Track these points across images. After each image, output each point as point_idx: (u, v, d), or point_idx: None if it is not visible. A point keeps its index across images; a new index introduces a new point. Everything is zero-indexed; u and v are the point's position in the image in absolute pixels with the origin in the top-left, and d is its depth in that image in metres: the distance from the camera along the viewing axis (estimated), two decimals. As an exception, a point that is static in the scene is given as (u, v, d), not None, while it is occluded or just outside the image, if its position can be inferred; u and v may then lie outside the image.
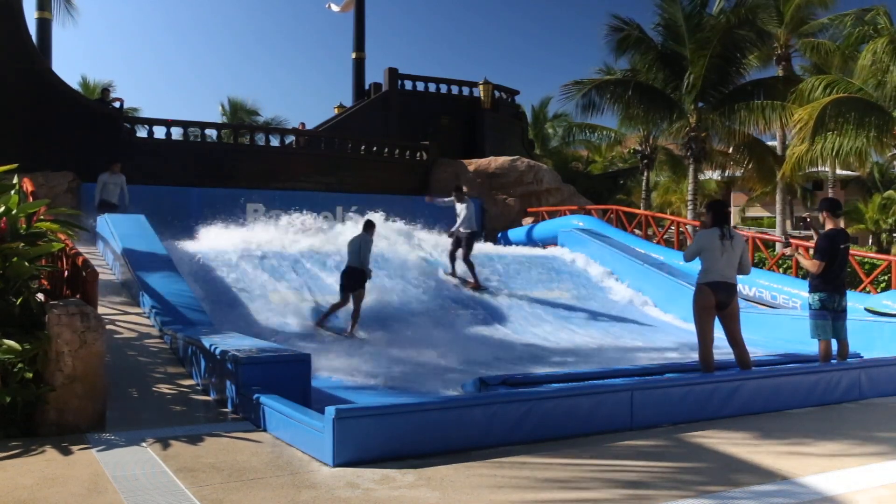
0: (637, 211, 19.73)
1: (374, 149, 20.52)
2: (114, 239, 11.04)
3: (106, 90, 19.13)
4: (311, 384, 5.91)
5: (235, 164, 18.18)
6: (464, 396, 6.19)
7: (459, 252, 13.29)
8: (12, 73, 15.97)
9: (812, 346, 7.62)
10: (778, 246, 18.19)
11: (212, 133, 18.97)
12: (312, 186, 18.65)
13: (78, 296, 6.08)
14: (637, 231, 17.67)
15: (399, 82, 23.30)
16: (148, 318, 8.63)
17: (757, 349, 8.07)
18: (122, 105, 18.82)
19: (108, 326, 6.25)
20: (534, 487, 4.00)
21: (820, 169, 25.55)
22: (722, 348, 6.80)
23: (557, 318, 12.37)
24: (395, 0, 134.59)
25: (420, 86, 23.75)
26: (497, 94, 24.64)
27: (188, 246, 12.82)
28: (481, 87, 24.04)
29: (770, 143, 25.44)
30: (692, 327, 7.14)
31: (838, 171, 28.83)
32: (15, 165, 6.13)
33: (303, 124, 24.17)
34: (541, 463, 4.47)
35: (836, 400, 6.45)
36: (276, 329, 10.00)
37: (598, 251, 15.46)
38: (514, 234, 18.62)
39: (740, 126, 21.15)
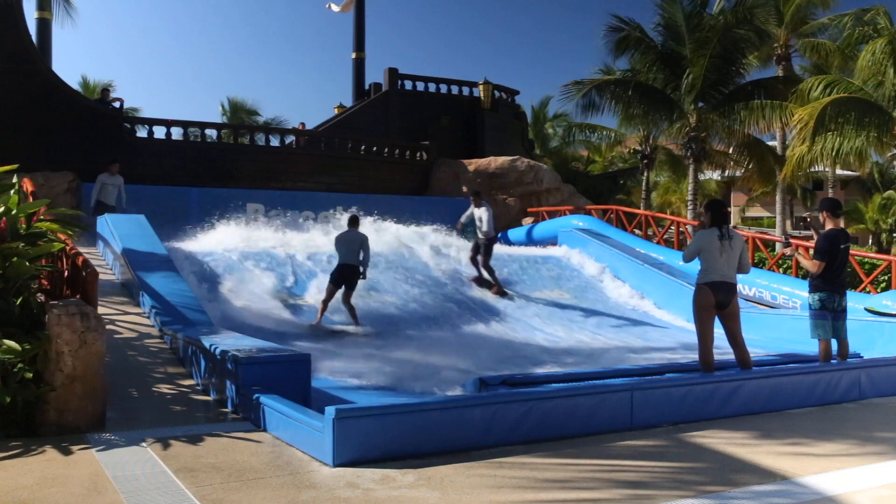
0: (637, 211, 19.74)
1: (374, 149, 20.52)
2: (114, 239, 11.04)
3: (106, 90, 19.12)
4: (311, 384, 5.91)
5: (235, 164, 18.18)
6: (464, 396, 6.20)
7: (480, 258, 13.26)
8: (12, 73, 15.97)
9: (812, 346, 7.62)
10: (778, 246, 18.20)
11: (212, 133, 18.96)
12: (312, 186, 18.65)
13: (78, 296, 6.09)
14: (637, 231, 17.68)
15: (399, 82, 23.30)
16: (148, 318, 8.63)
17: (757, 349, 8.07)
18: (122, 105, 18.81)
19: (108, 326, 6.25)
20: (534, 487, 4.00)
21: (820, 169, 25.53)
22: (722, 348, 6.80)
23: (557, 318, 12.37)
24: (395, 0, 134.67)
25: (420, 86, 23.75)
26: (497, 94, 24.63)
27: (188, 246, 12.83)
28: (481, 87, 24.04)
29: (770, 143, 25.44)
30: (692, 327, 7.15)
31: (838, 171, 28.82)
32: (15, 165, 6.13)
33: (303, 124, 24.16)
34: (541, 463, 4.47)
35: (836, 400, 6.45)
36: (275, 329, 10.00)
37: (598, 251, 15.47)
38: (513, 234, 18.62)
39: (740, 126, 21.15)
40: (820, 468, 4.39)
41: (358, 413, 4.54)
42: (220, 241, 13.32)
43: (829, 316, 7.17)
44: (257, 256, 12.79)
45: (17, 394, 4.93)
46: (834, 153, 18.14)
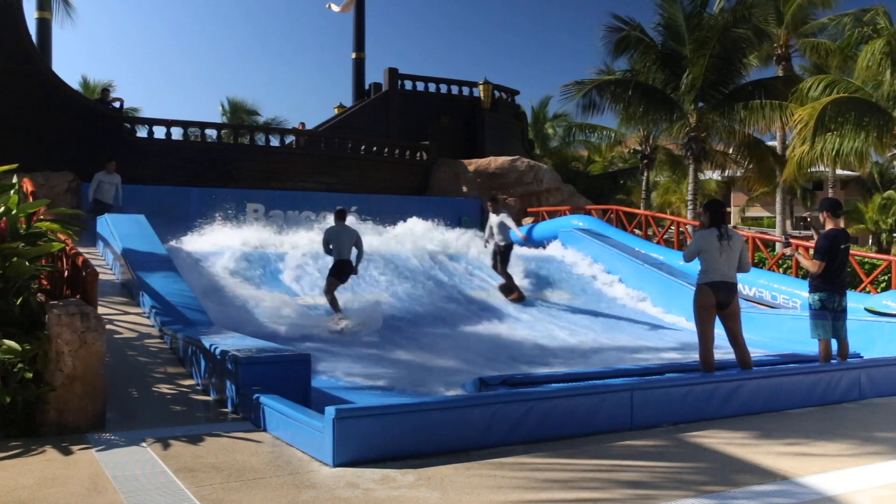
0: (637, 211, 19.73)
1: (374, 149, 20.52)
2: (114, 239, 11.04)
3: (106, 90, 19.12)
4: (311, 384, 5.91)
5: (235, 164, 18.19)
6: (464, 396, 6.19)
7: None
8: (12, 73, 15.98)
9: (812, 346, 7.62)
10: (778, 246, 18.19)
11: (212, 133, 18.97)
12: (312, 186, 18.66)
13: (78, 296, 6.08)
14: (637, 231, 17.67)
15: (399, 82, 23.30)
16: (148, 318, 8.63)
17: (757, 349, 8.07)
18: (121, 105, 18.81)
19: (108, 326, 6.25)
20: (534, 487, 4.00)
21: (820, 169, 25.54)
22: (722, 348, 6.80)
23: (557, 318, 12.37)
24: (395, 0, 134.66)
25: (420, 86, 23.76)
26: (497, 94, 24.64)
27: (188, 246, 12.83)
28: (481, 87, 24.04)
29: (770, 143, 25.44)
30: (692, 327, 7.14)
31: (838, 172, 28.81)
32: (15, 165, 6.13)
33: (303, 124, 24.17)
34: (541, 463, 4.47)
35: (836, 400, 6.45)
36: (276, 329, 10.00)
37: (598, 251, 15.46)
38: (513, 234, 18.57)
39: (740, 126, 21.16)
40: (820, 468, 4.39)
41: (358, 413, 4.54)
42: (220, 241, 13.32)
43: (830, 316, 7.16)
44: (257, 256, 12.79)
45: (17, 394, 4.93)
46: (834, 153, 18.14)
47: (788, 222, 29.67)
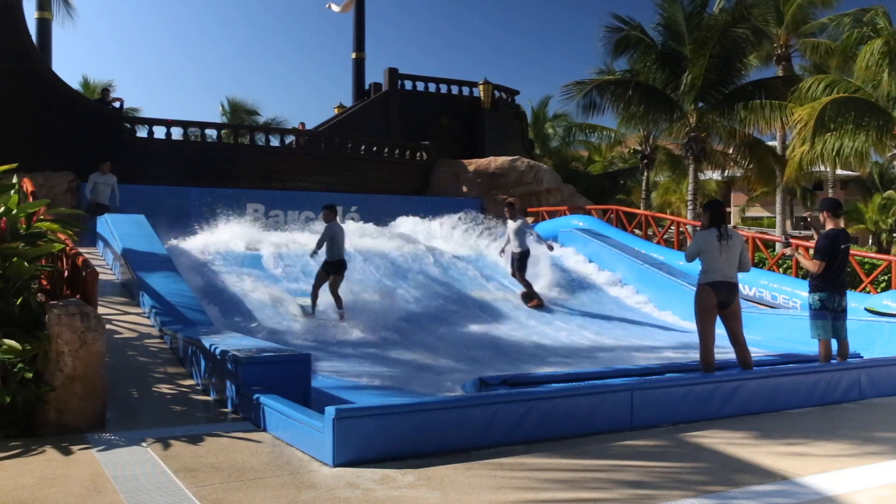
0: (637, 211, 19.74)
1: (374, 149, 20.52)
2: (114, 239, 11.04)
3: (106, 90, 19.13)
4: (311, 384, 5.90)
5: (235, 164, 18.19)
6: (464, 396, 6.19)
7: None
8: (12, 73, 15.98)
9: (812, 346, 7.62)
10: (778, 246, 18.19)
11: (212, 133, 18.98)
12: (312, 186, 18.66)
13: (78, 296, 6.08)
14: (637, 231, 17.68)
15: (399, 82, 23.31)
16: (148, 318, 8.62)
17: (757, 349, 8.07)
18: (121, 105, 18.82)
19: (108, 326, 6.24)
20: (534, 487, 4.00)
21: (820, 169, 25.53)
22: (723, 348, 6.80)
23: (557, 318, 12.37)
24: (395, 0, 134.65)
25: (420, 86, 23.77)
26: (497, 94, 24.65)
27: (188, 246, 12.83)
28: (481, 87, 24.05)
29: (770, 143, 25.44)
30: (692, 327, 7.14)
31: (838, 172, 28.83)
32: (15, 165, 6.13)
33: (303, 124, 24.17)
34: (541, 463, 4.47)
35: (836, 400, 6.44)
36: (276, 329, 10.00)
37: (598, 251, 15.47)
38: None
39: (740, 126, 21.16)
40: (820, 468, 4.39)
41: (358, 413, 4.54)
42: (220, 241, 13.31)
43: (830, 316, 7.16)
44: (257, 256, 12.80)
45: (17, 394, 4.93)
46: (834, 153, 18.15)
47: (788, 222, 29.68)
